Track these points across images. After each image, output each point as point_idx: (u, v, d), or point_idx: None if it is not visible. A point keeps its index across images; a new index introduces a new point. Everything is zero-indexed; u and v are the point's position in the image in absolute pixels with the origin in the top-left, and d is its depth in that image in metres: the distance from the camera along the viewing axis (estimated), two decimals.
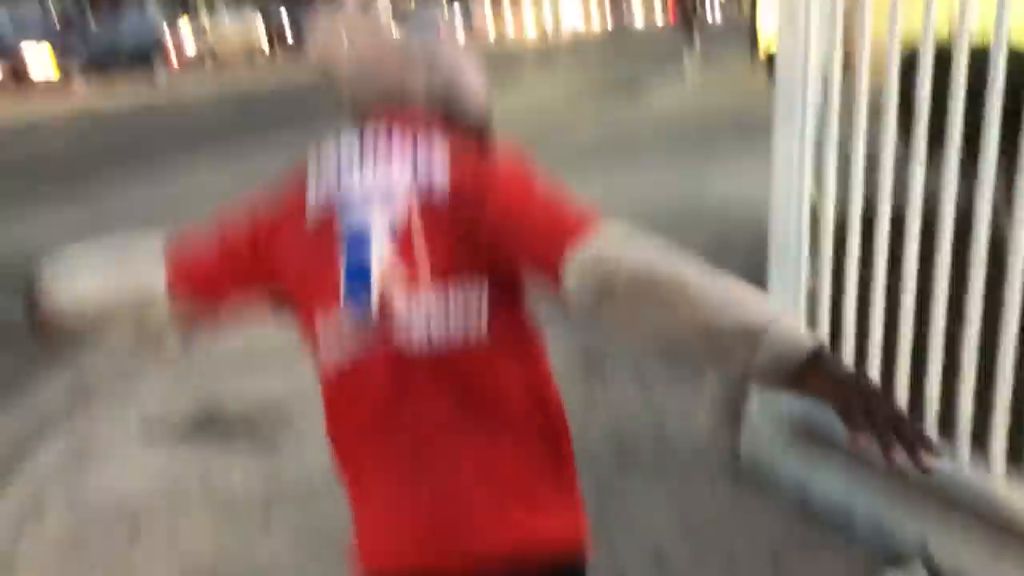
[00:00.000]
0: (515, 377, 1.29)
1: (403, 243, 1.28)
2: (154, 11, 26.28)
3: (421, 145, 1.37)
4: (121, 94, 20.11)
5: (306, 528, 2.92)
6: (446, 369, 1.24)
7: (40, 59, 19.85)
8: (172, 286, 1.42)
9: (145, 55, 22.62)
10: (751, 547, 2.70)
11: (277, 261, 1.38)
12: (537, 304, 1.40)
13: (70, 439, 3.69)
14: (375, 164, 1.36)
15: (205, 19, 29.56)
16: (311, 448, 3.37)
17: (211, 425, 3.76)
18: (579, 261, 1.17)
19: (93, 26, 21.77)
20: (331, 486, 1.43)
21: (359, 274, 1.28)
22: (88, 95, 20.10)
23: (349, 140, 1.43)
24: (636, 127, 12.73)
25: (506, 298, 1.31)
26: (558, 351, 4.06)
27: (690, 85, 17.59)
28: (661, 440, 3.37)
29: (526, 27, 48.54)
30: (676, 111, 13.81)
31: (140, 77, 22.38)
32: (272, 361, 4.11)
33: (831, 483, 2.85)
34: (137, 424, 3.79)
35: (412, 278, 1.26)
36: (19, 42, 20.61)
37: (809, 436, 3.04)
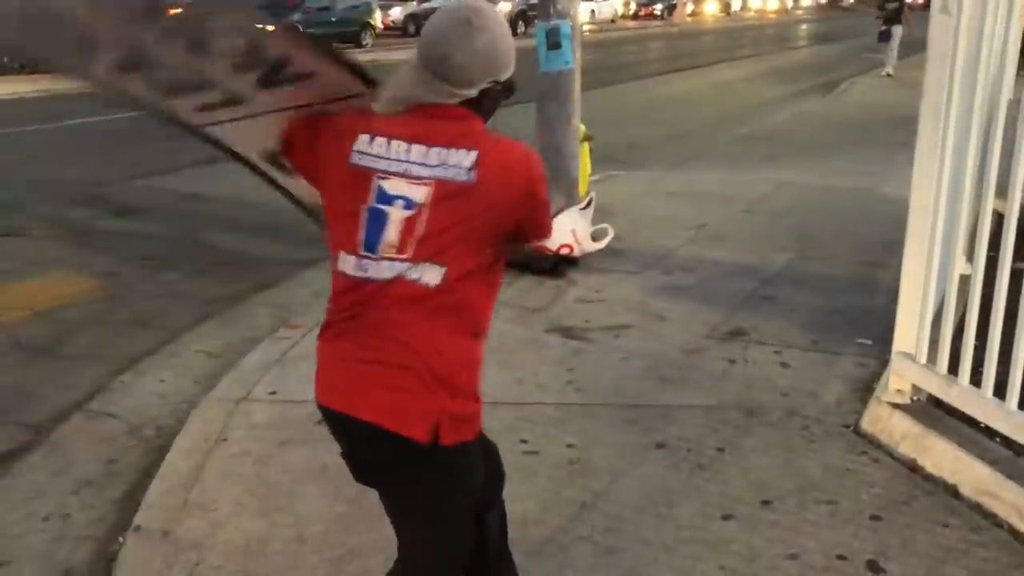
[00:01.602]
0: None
1: (410, 222, 1.73)
2: None
3: (458, 137, 1.75)
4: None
5: None
6: (398, 302, 1.74)
7: None
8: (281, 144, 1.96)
9: (355, 23, 24.52)
10: (854, 503, 2.93)
11: (320, 170, 1.87)
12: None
13: (273, 350, 4.32)
14: (420, 144, 1.75)
15: None
16: None
17: None
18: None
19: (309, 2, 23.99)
20: None
21: (374, 232, 1.75)
22: None
23: (407, 116, 1.79)
24: (825, 115, 12.55)
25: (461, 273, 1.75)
26: (702, 320, 4.37)
27: (889, 74, 16.95)
28: (790, 406, 3.61)
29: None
30: (869, 102, 13.46)
31: (349, 41, 23.98)
32: None
33: (943, 456, 3.03)
34: None
35: (402, 249, 1.73)
36: None
37: (931, 414, 3.22)
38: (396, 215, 1.74)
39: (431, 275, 1.72)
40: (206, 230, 6.69)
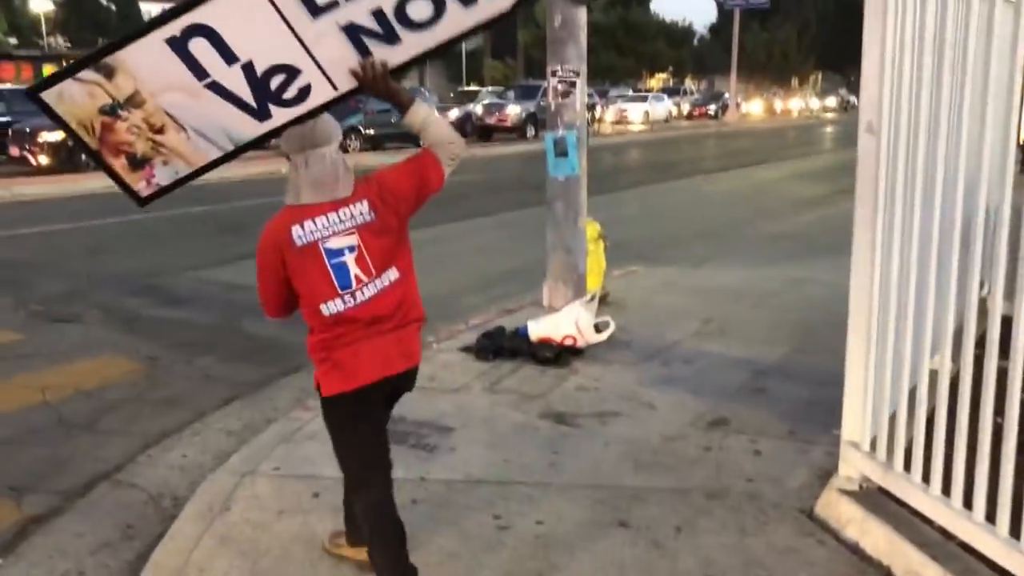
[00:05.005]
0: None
1: (360, 255, 2.76)
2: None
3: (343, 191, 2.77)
4: None
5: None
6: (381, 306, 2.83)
7: None
8: None
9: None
10: None
11: (288, 271, 2.82)
12: None
13: (284, 429, 4.69)
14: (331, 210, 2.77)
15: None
16: (462, 453, 4.16)
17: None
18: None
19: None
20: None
21: (343, 275, 2.77)
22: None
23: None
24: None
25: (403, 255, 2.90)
26: (689, 410, 4.62)
27: None
28: (752, 490, 3.84)
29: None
30: None
31: (410, 141, 25.12)
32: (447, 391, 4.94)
33: (880, 539, 3.23)
34: None
35: (367, 273, 2.79)
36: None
37: (876, 500, 3.43)
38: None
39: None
40: (246, 318, 7.16)
